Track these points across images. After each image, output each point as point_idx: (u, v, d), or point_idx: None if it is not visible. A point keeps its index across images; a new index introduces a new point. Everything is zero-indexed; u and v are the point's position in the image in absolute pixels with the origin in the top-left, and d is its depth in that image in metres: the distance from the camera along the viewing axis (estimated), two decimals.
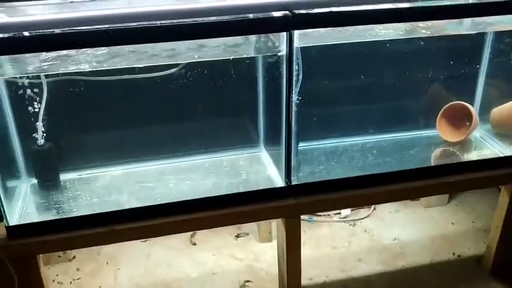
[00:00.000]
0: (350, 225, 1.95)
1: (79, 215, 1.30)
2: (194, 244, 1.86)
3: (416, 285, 1.66)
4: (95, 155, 1.47)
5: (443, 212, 2.00)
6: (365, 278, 1.70)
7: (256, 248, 1.84)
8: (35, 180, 1.42)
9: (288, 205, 1.38)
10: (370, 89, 1.55)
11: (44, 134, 1.37)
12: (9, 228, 1.26)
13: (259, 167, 1.51)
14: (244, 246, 1.85)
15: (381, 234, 1.89)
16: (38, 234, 1.27)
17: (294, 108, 1.30)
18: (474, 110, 1.56)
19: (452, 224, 1.93)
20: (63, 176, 1.45)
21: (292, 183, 1.38)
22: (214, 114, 1.53)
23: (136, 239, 1.36)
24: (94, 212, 1.29)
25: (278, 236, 1.50)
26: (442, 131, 1.59)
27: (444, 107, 1.59)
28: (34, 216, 1.32)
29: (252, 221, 1.43)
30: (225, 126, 1.55)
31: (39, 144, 1.38)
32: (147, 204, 1.31)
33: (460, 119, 1.59)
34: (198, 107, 1.51)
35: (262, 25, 1.20)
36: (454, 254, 1.78)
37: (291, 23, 1.19)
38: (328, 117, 1.56)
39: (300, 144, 1.43)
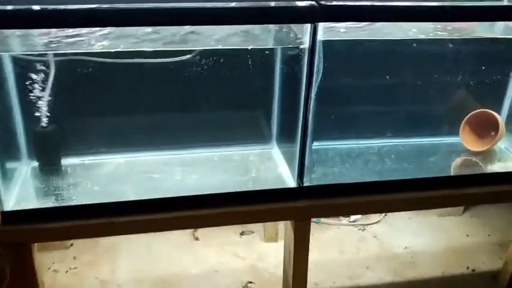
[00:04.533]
0: (359, 229, 1.88)
1: (78, 204, 1.22)
2: (197, 239, 1.80)
3: None
4: (100, 141, 1.40)
5: (458, 222, 1.92)
6: (373, 287, 1.63)
7: (261, 248, 1.77)
8: (35, 163, 1.36)
9: (298, 207, 1.30)
10: (392, 90, 1.47)
11: (48, 116, 1.31)
12: (3, 213, 1.19)
13: (270, 165, 1.43)
14: (249, 245, 1.78)
15: (391, 241, 1.82)
16: (33, 221, 1.20)
17: (312, 105, 1.22)
18: (501, 119, 1.48)
19: (467, 236, 1.85)
20: (65, 161, 1.38)
21: (305, 185, 1.31)
22: (227, 106, 1.46)
23: (137, 233, 1.30)
24: (94, 202, 1.22)
25: (286, 238, 1.43)
26: (465, 139, 1.51)
27: (469, 114, 1.50)
28: (31, 202, 1.25)
29: (259, 222, 1.37)
30: (237, 119, 1.48)
31: (43, 125, 1.31)
32: (150, 197, 1.24)
33: (485, 128, 1.50)
34: (211, 97, 1.43)
35: (285, 15, 1.12)
36: (468, 267, 1.71)
37: (316, 15, 1.11)
38: (345, 116, 1.48)
39: (314, 143, 1.35)
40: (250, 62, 1.37)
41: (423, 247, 1.79)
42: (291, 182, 1.33)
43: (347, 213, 1.48)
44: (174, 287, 1.59)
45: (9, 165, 1.30)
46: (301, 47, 1.18)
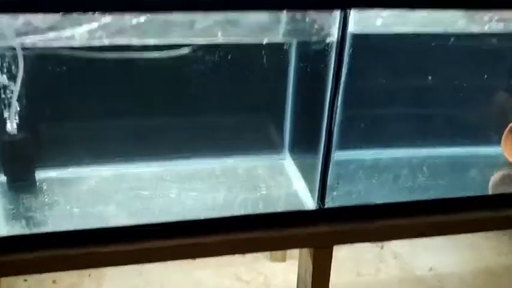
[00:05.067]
0: (377, 246, 1.67)
1: (55, 230, 1.01)
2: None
3: None
4: (81, 149, 1.17)
5: (489, 240, 1.72)
6: None
7: (267, 269, 1.56)
8: (3, 177, 1.14)
9: (319, 233, 1.09)
10: (425, 93, 1.25)
11: (19, 121, 1.09)
12: None
13: (282, 180, 1.22)
14: (252, 266, 1.57)
15: (413, 261, 1.62)
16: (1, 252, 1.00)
17: (338, 109, 1.01)
18: None
19: (499, 255, 1.65)
20: (40, 174, 1.15)
21: (326, 206, 1.10)
22: (231, 109, 1.25)
23: (125, 265, 1.09)
24: (74, 229, 1.00)
25: (301, 265, 1.22)
26: (507, 150, 1.30)
27: None
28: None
29: (270, 250, 1.16)
30: (243, 124, 1.26)
31: (11, 133, 1.09)
32: (140, 223, 1.03)
33: None
34: (212, 99, 1.21)
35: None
36: None
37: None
38: (370, 122, 1.27)
39: (336, 153, 1.13)
40: (259, 59, 1.16)
41: (450, 268, 1.59)
42: (309, 203, 1.13)
43: (375, 240, 1.28)
44: None
45: None
46: (327, 40, 0.97)
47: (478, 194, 1.19)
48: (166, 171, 1.20)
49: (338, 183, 1.13)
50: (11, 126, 1.09)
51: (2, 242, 0.99)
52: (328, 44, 0.97)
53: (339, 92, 0.99)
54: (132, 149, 1.19)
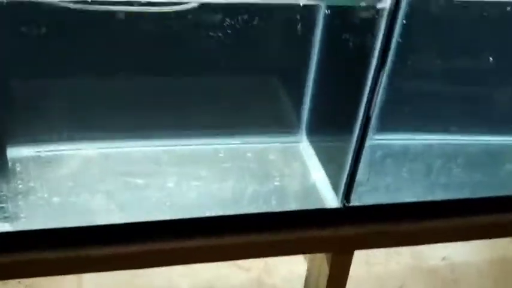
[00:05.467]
0: None
1: (28, 228, 0.83)
2: None
3: None
4: (62, 123, 0.98)
5: None
6: None
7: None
8: None
9: (341, 236, 0.94)
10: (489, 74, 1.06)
11: None
12: None
13: (298, 167, 1.05)
14: None
15: (426, 250, 1.49)
16: None
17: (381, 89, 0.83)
18: None
19: None
20: (13, 152, 0.96)
21: (352, 204, 0.94)
22: (240, 79, 1.05)
23: (110, 271, 0.92)
24: (50, 227, 0.83)
25: (312, 267, 1.07)
26: None
27: None
28: None
29: (281, 255, 1.00)
30: (253, 99, 1.08)
31: None
32: (130, 221, 0.86)
33: None
34: (218, 66, 1.02)
35: None
36: None
37: None
38: (416, 103, 1.07)
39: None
40: (276, 21, 0.96)
41: (465, 258, 1.47)
42: (331, 199, 0.96)
43: (403, 244, 1.13)
44: None
45: None
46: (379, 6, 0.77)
47: None
48: (162, 152, 1.02)
49: (369, 178, 0.95)
50: None
51: None
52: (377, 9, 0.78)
53: (385, 67, 0.81)
54: (121, 124, 1.01)
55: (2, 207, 0.88)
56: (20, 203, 0.89)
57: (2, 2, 0.78)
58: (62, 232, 0.84)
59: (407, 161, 1.05)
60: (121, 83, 1.00)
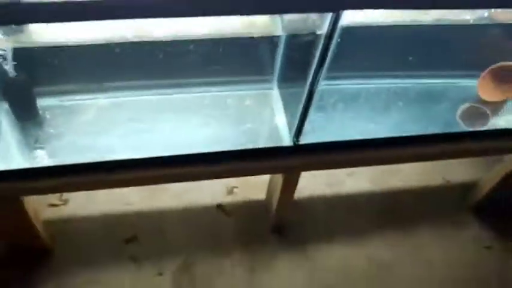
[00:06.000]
0: None
1: (62, 163, 1.16)
2: None
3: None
4: (79, 77, 1.24)
5: None
6: (352, 195, 1.72)
7: None
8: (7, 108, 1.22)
9: (291, 165, 1.28)
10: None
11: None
12: None
13: (266, 112, 1.33)
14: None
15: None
16: (20, 178, 1.16)
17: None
18: None
19: None
20: (42, 102, 1.24)
21: (300, 143, 1.26)
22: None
23: (123, 187, 1.26)
24: (79, 162, 1.16)
25: (271, 180, 1.44)
26: (482, 89, 1.38)
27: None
28: (14, 161, 1.18)
29: (250, 175, 1.35)
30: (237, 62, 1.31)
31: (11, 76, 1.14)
32: (137, 157, 1.18)
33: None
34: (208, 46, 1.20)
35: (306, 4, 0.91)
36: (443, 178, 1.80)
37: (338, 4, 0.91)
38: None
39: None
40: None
41: None
42: (286, 138, 1.27)
43: (342, 167, 1.46)
44: (159, 190, 1.64)
45: None
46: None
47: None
48: (159, 100, 1.31)
49: (312, 129, 1.25)
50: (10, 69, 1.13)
51: (21, 172, 1.16)
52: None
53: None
54: (128, 78, 1.27)
55: (41, 147, 1.21)
56: (53, 144, 1.21)
57: None
58: (85, 165, 1.18)
59: (339, 100, 1.34)
60: (127, 50, 1.17)
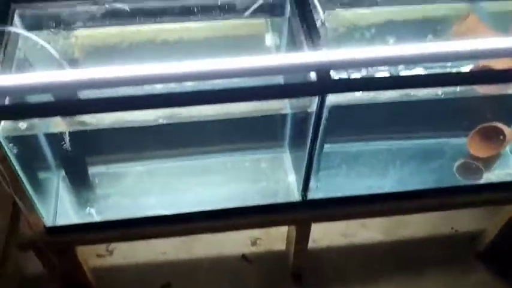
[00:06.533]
0: None
1: (112, 219, 1.42)
2: None
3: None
4: (121, 150, 1.50)
5: None
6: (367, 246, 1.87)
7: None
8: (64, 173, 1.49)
9: (301, 218, 1.49)
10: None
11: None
12: (48, 228, 1.39)
13: (279, 172, 1.55)
14: None
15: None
16: (74, 232, 1.42)
17: None
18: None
19: None
20: (92, 170, 1.49)
21: (308, 198, 1.46)
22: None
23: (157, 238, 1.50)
24: (125, 217, 1.41)
25: (288, 231, 1.63)
26: (472, 147, 1.54)
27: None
28: (69, 217, 1.44)
29: (265, 227, 1.57)
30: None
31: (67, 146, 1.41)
32: (170, 213, 1.42)
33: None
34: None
35: (293, 91, 1.15)
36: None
37: (325, 89, 1.14)
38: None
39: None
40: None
41: None
42: (296, 194, 1.48)
43: (346, 219, 1.65)
44: (191, 241, 1.84)
45: (42, 174, 1.44)
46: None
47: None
48: (188, 166, 1.55)
49: (317, 186, 1.47)
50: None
51: (75, 227, 1.41)
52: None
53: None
54: (161, 149, 1.52)
55: (92, 206, 1.46)
56: (101, 202, 1.46)
57: None
58: (130, 221, 1.42)
59: (343, 161, 1.55)
60: (160, 128, 1.35)
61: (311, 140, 1.26)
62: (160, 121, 1.26)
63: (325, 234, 1.88)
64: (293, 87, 1.18)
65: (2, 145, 1.14)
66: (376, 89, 1.14)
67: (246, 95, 1.14)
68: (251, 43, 1.47)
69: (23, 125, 1.15)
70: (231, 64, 1.13)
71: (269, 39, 1.46)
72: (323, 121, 1.22)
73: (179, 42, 1.44)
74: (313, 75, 1.15)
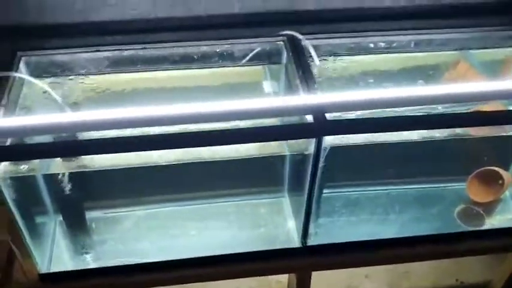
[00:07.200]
0: None
1: (107, 265, 1.39)
2: None
3: None
4: (119, 195, 1.51)
5: None
6: None
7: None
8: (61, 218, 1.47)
9: (301, 265, 1.45)
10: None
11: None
12: (41, 275, 1.36)
13: (279, 218, 1.53)
14: None
15: None
16: (68, 280, 1.38)
17: None
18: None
19: None
20: (89, 214, 1.48)
21: (308, 244, 1.43)
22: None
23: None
24: (121, 264, 1.38)
25: (289, 279, 1.60)
26: (471, 192, 1.54)
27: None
28: (64, 264, 1.41)
29: (265, 275, 1.53)
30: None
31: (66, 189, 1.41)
32: (168, 259, 1.39)
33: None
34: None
35: (290, 133, 1.17)
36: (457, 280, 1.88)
37: (321, 130, 1.16)
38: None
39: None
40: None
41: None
42: (296, 241, 1.46)
43: (347, 267, 1.62)
44: None
45: (38, 219, 1.43)
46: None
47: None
48: (188, 211, 1.54)
49: (317, 232, 1.45)
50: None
51: (70, 274, 1.39)
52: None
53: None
54: (160, 194, 1.52)
55: (88, 252, 1.44)
56: (100, 249, 1.44)
57: None
58: (125, 268, 1.39)
59: (342, 206, 1.53)
60: (158, 171, 1.36)
61: (309, 183, 1.26)
62: (158, 163, 1.27)
63: (328, 286, 1.84)
64: (290, 129, 1.19)
65: (1, 188, 1.14)
66: (374, 131, 1.15)
67: (244, 137, 1.16)
68: (249, 89, 1.50)
69: (24, 166, 1.16)
70: (230, 106, 1.16)
71: (267, 85, 1.49)
72: (321, 163, 1.22)
73: (179, 89, 1.47)
74: (309, 118, 1.17)
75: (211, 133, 1.14)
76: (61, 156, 1.17)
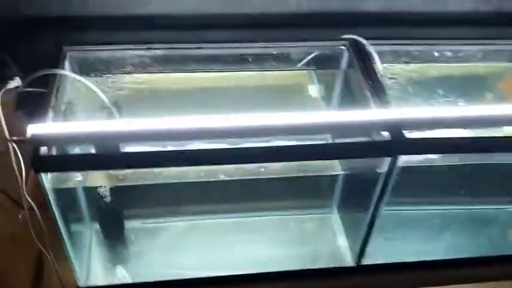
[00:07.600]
0: None
1: (146, 280, 1.30)
2: None
3: None
4: (159, 205, 1.41)
5: None
6: None
7: None
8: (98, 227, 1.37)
9: (354, 284, 1.37)
10: None
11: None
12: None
13: (329, 235, 1.44)
14: None
15: None
16: None
17: None
18: None
19: None
20: (128, 225, 1.38)
21: (363, 264, 1.35)
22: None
23: None
24: (161, 279, 1.29)
25: None
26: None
27: None
28: (101, 277, 1.32)
29: None
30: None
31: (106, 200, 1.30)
32: (209, 275, 1.30)
33: None
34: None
35: (363, 150, 1.08)
36: None
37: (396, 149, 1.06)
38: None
39: None
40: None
41: None
42: (348, 259, 1.37)
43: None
44: None
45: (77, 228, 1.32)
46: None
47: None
48: (229, 224, 1.45)
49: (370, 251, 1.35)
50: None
51: None
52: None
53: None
54: (203, 205, 1.43)
55: (128, 265, 1.34)
56: (137, 263, 1.35)
57: None
58: (161, 282, 1.30)
59: (408, 227, 1.45)
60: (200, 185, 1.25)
61: (376, 202, 1.17)
62: (203, 179, 1.17)
63: None
64: (365, 146, 1.09)
65: (47, 195, 1.04)
66: (459, 151, 1.06)
67: (313, 154, 1.06)
68: (298, 94, 1.41)
69: (78, 176, 1.06)
70: (292, 120, 1.06)
71: (317, 90, 1.40)
72: (390, 182, 1.13)
73: (227, 90, 1.38)
74: (385, 134, 1.08)
75: (279, 149, 1.04)
76: (117, 168, 1.07)
